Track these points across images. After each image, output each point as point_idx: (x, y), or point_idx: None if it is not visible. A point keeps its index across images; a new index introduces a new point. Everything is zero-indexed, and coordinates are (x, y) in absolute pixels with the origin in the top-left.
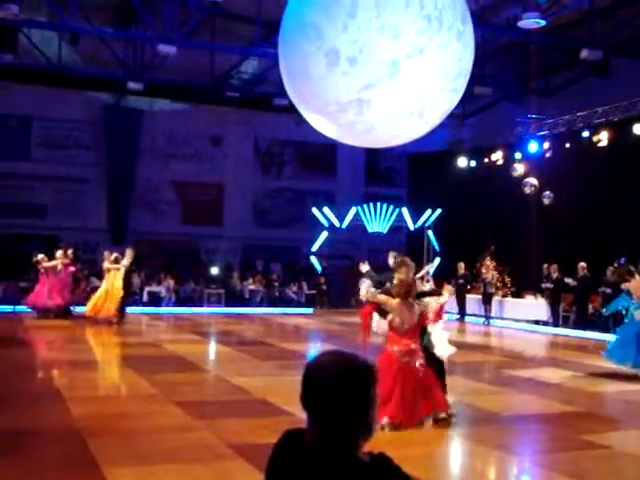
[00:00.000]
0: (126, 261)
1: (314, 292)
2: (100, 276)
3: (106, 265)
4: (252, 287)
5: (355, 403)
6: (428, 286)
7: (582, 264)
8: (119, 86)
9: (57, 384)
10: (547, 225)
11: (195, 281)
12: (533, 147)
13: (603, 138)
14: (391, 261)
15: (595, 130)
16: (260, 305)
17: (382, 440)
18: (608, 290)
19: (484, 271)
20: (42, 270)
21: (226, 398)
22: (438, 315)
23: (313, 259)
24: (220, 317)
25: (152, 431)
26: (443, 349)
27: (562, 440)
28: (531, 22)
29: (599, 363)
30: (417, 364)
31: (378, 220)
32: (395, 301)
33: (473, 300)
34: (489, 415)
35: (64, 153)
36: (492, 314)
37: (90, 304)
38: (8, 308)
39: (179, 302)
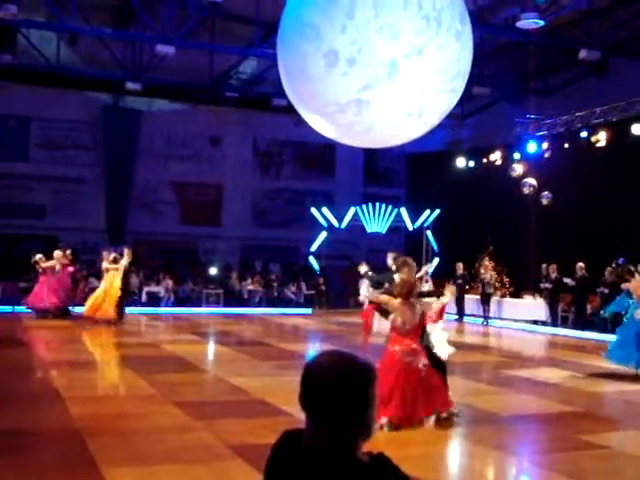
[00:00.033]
0: (125, 261)
1: (313, 292)
2: (99, 276)
3: (105, 265)
4: (251, 287)
5: (354, 403)
6: (427, 286)
7: (580, 264)
8: (117, 86)
9: (56, 384)
10: (546, 225)
11: (194, 281)
12: (532, 147)
13: (601, 138)
14: (390, 262)
15: (593, 130)
16: (259, 305)
17: (381, 440)
18: (606, 290)
19: (483, 271)
20: (40, 270)
21: (225, 398)
22: (439, 315)
23: (311, 259)
24: (219, 317)
25: (151, 431)
26: (442, 349)
27: (560, 440)
28: (529, 22)
29: (598, 363)
30: (420, 364)
31: (377, 220)
32: (397, 301)
33: (472, 300)
34: (488, 415)
35: (62, 153)
36: (491, 314)
37: (88, 303)
38: (7, 308)
39: (178, 302)
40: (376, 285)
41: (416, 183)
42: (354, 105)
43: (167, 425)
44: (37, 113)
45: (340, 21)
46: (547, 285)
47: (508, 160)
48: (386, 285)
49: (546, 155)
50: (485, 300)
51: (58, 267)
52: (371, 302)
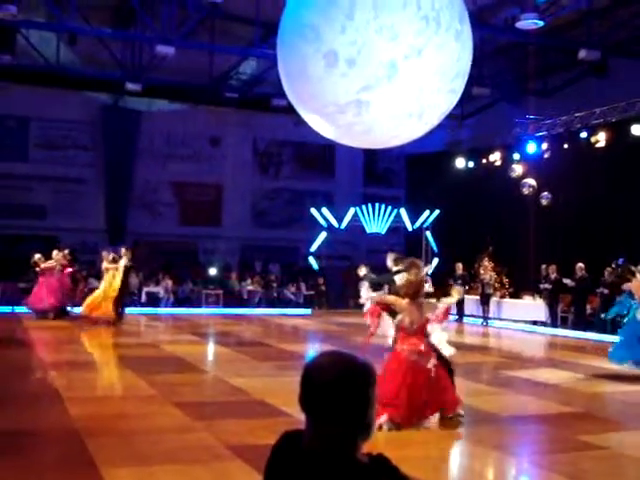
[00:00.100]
0: (124, 261)
1: (312, 293)
2: (99, 277)
3: (105, 265)
4: (250, 288)
5: (354, 404)
6: (426, 287)
7: (580, 265)
8: (117, 87)
9: (56, 385)
10: (545, 226)
11: (193, 282)
12: (531, 148)
13: (601, 139)
14: (389, 263)
15: (593, 131)
16: (258, 306)
17: (381, 440)
18: (606, 291)
19: (482, 272)
20: (39, 271)
21: (225, 399)
22: (445, 315)
23: (311, 259)
24: (218, 318)
25: (151, 432)
26: (442, 350)
27: (560, 441)
28: (529, 23)
29: (597, 364)
30: (429, 364)
31: (376, 221)
32: (404, 301)
33: (471, 301)
34: (487, 416)
35: (62, 154)
36: (490, 315)
37: (86, 302)
38: (7, 309)
39: (177, 303)
40: (376, 286)
41: (416, 184)
42: (354, 106)
43: (167, 425)
44: (37, 113)
45: (340, 22)
46: (547, 286)
47: (508, 161)
48: (385, 287)
49: (546, 155)
50: (485, 301)
51: (58, 267)
52: (378, 302)
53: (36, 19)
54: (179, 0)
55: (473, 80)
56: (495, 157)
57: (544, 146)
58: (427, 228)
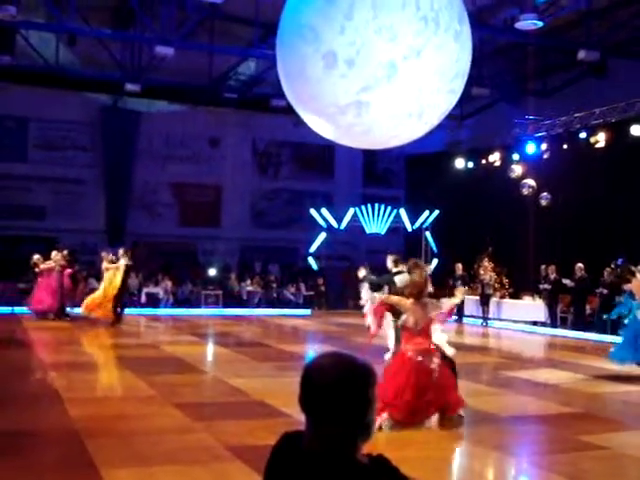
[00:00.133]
0: (124, 261)
1: (312, 293)
2: (98, 277)
3: (105, 265)
4: (250, 288)
5: (354, 405)
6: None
7: (579, 265)
8: (117, 87)
9: (55, 385)
10: (545, 226)
11: (193, 282)
12: (531, 148)
13: (600, 139)
14: (389, 264)
15: (592, 131)
16: (258, 306)
17: (381, 441)
18: (605, 291)
19: (482, 272)
20: (38, 271)
21: (224, 400)
22: (448, 315)
23: (310, 259)
24: (218, 318)
25: (150, 432)
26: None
27: (560, 441)
28: (528, 23)
29: (597, 364)
30: (433, 364)
31: (376, 221)
32: (409, 301)
33: (471, 301)
34: (487, 416)
35: (61, 154)
36: (490, 315)
37: (86, 301)
38: (7, 309)
39: (177, 303)
40: (376, 288)
41: (415, 184)
42: (354, 107)
43: (166, 426)
44: (36, 114)
45: (339, 22)
46: (546, 286)
47: (507, 161)
48: (385, 288)
49: (545, 156)
50: (484, 301)
51: (57, 268)
52: (382, 302)
53: (35, 20)
54: (178, 1)
55: (472, 80)
56: (495, 157)
57: (543, 146)
58: (427, 228)
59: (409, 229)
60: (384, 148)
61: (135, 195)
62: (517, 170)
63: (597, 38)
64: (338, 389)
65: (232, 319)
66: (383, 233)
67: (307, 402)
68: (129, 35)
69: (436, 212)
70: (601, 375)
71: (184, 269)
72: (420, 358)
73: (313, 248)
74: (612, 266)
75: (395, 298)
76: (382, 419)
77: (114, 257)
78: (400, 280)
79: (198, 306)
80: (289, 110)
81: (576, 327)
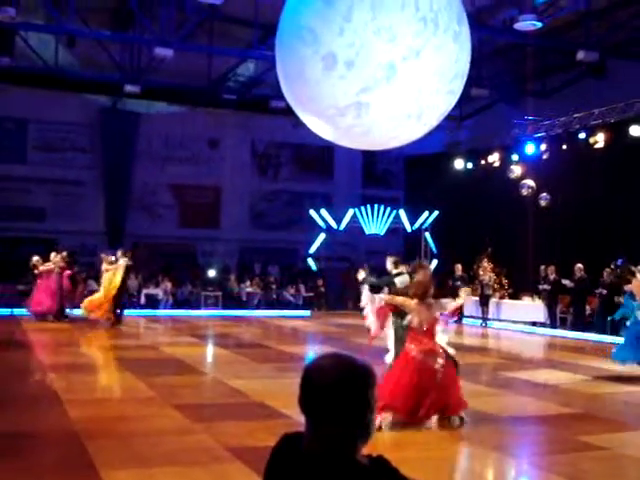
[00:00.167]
0: (122, 261)
1: (312, 294)
2: (98, 279)
3: (104, 266)
4: (249, 289)
5: (354, 406)
6: None
7: (579, 265)
8: (116, 89)
9: (55, 387)
10: (544, 227)
11: (192, 284)
12: (530, 149)
13: (600, 140)
14: (389, 266)
15: (592, 132)
16: (257, 307)
17: (380, 442)
18: (605, 291)
19: (481, 273)
20: (37, 273)
21: (224, 401)
22: (452, 315)
23: (310, 260)
24: (217, 320)
25: (150, 434)
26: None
27: (560, 442)
28: (527, 24)
29: (596, 364)
30: (437, 364)
31: (375, 222)
32: (413, 302)
33: (470, 302)
34: (487, 417)
35: (60, 156)
36: (489, 316)
37: (87, 300)
38: (6, 311)
39: (176, 305)
40: (376, 289)
41: (414, 185)
42: (354, 108)
43: (166, 428)
44: (35, 115)
45: (338, 24)
46: (546, 286)
47: (506, 162)
48: (385, 289)
49: (544, 156)
50: (484, 302)
51: (56, 270)
52: (387, 303)
53: (35, 21)
54: (177, 2)
55: (472, 81)
56: (494, 158)
57: (543, 147)
58: (426, 229)
59: (408, 230)
60: (383, 149)
61: (134, 196)
62: (516, 171)
63: (596, 39)
64: (338, 390)
65: (232, 320)
66: (382, 234)
67: (307, 403)
68: (128, 36)
69: (435, 213)
70: (600, 376)
71: (184, 270)
72: (424, 358)
73: (313, 249)
74: (612, 266)
75: (400, 299)
76: (382, 418)
77: (113, 258)
78: (400, 282)
79: (198, 307)
80: (288, 111)
81: (575, 328)
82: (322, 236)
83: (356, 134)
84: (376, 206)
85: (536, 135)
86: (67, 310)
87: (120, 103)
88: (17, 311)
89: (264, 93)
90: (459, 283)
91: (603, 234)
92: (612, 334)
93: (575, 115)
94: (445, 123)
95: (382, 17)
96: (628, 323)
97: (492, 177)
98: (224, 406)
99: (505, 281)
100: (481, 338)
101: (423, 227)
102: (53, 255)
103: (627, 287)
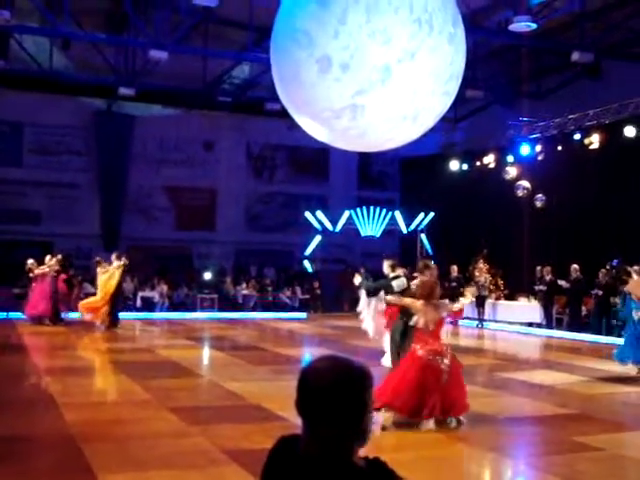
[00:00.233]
0: (116, 264)
1: (308, 297)
2: (93, 282)
3: (99, 269)
4: (245, 292)
5: (350, 408)
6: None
7: (575, 266)
8: (111, 92)
9: (51, 390)
10: (539, 227)
11: (188, 286)
12: (525, 150)
13: (595, 140)
14: (386, 269)
15: (587, 132)
16: (253, 310)
17: (377, 443)
18: (600, 292)
19: (477, 274)
20: (32, 276)
21: (220, 403)
22: (457, 315)
23: (306, 262)
24: (213, 322)
25: (146, 437)
26: None
27: (556, 442)
28: (522, 25)
29: (592, 365)
30: (443, 365)
31: (371, 224)
32: (419, 302)
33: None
34: (483, 417)
35: (56, 159)
36: (485, 317)
37: (85, 301)
38: (2, 314)
39: (172, 307)
40: (373, 292)
41: (410, 186)
42: (349, 110)
43: (162, 430)
44: (30, 119)
45: (333, 26)
46: (541, 287)
47: (502, 163)
48: (382, 292)
49: (539, 158)
50: (480, 303)
51: (52, 273)
52: (394, 304)
53: (29, 24)
54: (172, 5)
55: (467, 83)
56: (489, 159)
57: (538, 148)
58: (422, 231)
59: (404, 231)
60: (379, 151)
61: (130, 199)
62: (512, 172)
63: (591, 40)
64: (334, 392)
65: (228, 323)
66: (378, 236)
67: (303, 405)
68: (123, 39)
69: (431, 214)
70: (597, 376)
71: (179, 273)
72: (430, 358)
73: (308, 251)
74: (607, 267)
75: (408, 300)
76: (385, 417)
77: (107, 264)
78: (397, 285)
79: (194, 310)
80: (283, 114)
81: (572, 328)
82: (318, 238)
83: (352, 136)
84: (372, 208)
85: (531, 136)
86: (62, 314)
87: (115, 106)
88: (13, 314)
89: (259, 95)
90: (455, 284)
91: (598, 235)
92: (608, 335)
93: (570, 116)
94: (440, 125)
95: (376, 19)
96: (629, 322)
97: (487, 178)
98: (220, 409)
99: (501, 282)
100: (477, 339)
101: (419, 228)
102: (48, 258)
103: (625, 288)
